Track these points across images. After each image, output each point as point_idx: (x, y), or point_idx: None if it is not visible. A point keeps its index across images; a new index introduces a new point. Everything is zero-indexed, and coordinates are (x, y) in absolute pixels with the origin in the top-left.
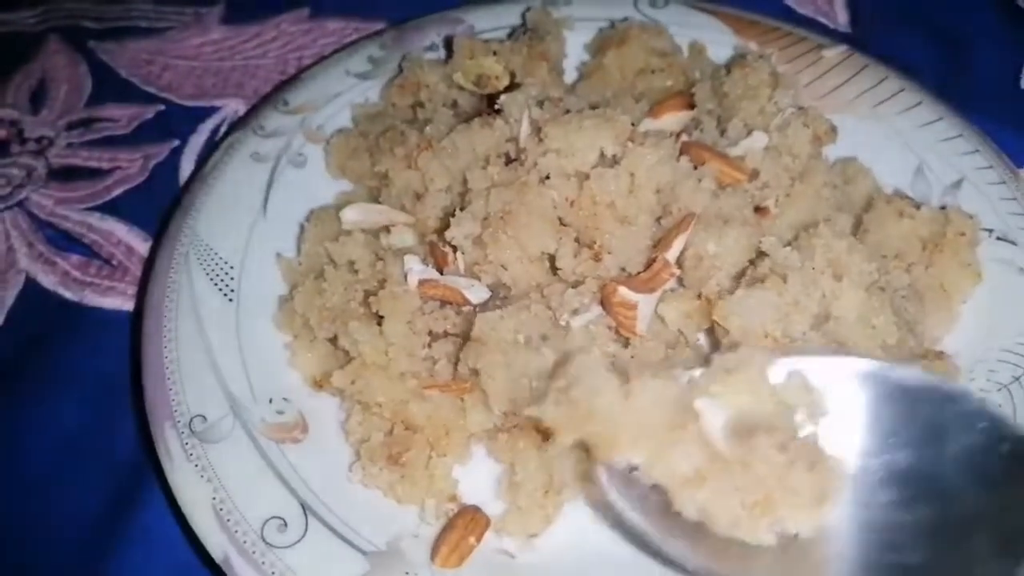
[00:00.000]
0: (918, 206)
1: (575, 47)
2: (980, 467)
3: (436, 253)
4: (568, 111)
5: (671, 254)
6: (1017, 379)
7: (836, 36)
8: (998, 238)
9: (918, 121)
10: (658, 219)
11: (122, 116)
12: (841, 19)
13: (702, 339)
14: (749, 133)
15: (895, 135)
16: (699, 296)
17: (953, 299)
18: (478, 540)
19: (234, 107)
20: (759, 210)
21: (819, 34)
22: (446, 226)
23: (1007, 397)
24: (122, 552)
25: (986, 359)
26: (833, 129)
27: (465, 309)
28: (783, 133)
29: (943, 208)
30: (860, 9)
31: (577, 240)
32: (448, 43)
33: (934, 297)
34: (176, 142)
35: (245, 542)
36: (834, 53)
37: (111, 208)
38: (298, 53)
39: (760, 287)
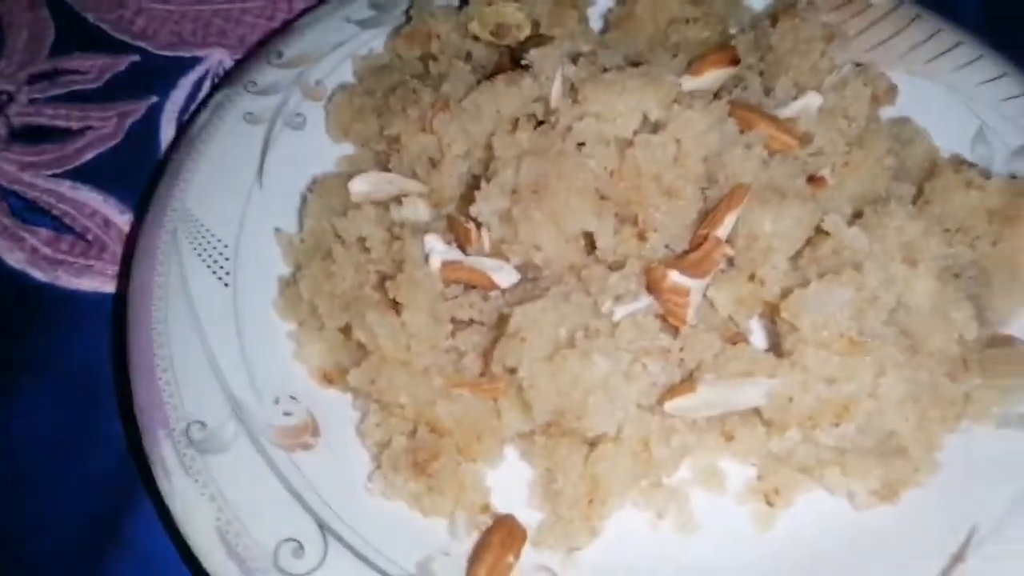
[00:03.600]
0: (988, 176)
1: None
2: None
3: (458, 229)
4: (605, 69)
5: (722, 231)
6: None
7: None
8: None
9: (978, 78)
10: (703, 190)
11: (91, 68)
12: None
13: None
14: (800, 93)
15: (952, 93)
16: (751, 278)
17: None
18: (516, 557)
19: (218, 58)
20: (813, 180)
21: None
22: (465, 197)
23: None
24: (108, 572)
25: None
26: (893, 88)
27: (492, 294)
28: (839, 93)
29: (1014, 177)
30: None
31: (617, 215)
32: None
33: (1002, 276)
34: (154, 98)
35: (257, 570)
36: (883, 1)
37: (83, 174)
38: None
39: (835, 280)
